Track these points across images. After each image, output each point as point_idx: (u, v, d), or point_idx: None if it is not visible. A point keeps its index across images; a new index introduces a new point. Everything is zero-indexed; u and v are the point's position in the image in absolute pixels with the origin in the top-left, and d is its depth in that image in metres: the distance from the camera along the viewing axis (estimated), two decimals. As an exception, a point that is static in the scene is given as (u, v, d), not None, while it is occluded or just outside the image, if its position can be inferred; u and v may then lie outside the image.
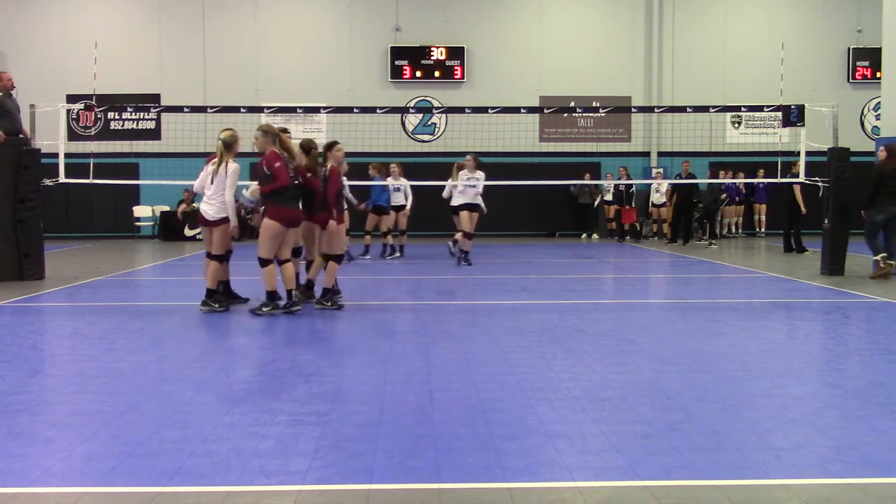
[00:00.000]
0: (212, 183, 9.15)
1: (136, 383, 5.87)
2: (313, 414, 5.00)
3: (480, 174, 14.25)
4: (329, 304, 9.25)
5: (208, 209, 9.18)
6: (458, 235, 14.35)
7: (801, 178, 14.77)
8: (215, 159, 9.24)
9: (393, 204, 16.44)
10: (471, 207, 14.15)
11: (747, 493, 3.77)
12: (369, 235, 16.22)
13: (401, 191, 16.41)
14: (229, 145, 9.22)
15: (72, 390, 5.74)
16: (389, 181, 16.37)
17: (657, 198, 21.33)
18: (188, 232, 21.22)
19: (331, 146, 9.57)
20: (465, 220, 14.15)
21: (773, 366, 6.41)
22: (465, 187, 14.06)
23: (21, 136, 12.36)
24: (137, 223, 22.85)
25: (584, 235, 22.77)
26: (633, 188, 21.87)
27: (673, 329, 8.35)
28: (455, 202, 14.26)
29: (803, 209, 16.64)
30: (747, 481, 3.88)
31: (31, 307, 9.87)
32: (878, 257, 12.40)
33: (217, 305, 9.15)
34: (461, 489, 3.79)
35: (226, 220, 9.19)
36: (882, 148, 12.77)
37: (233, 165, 9.15)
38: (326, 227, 9.22)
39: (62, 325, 9.00)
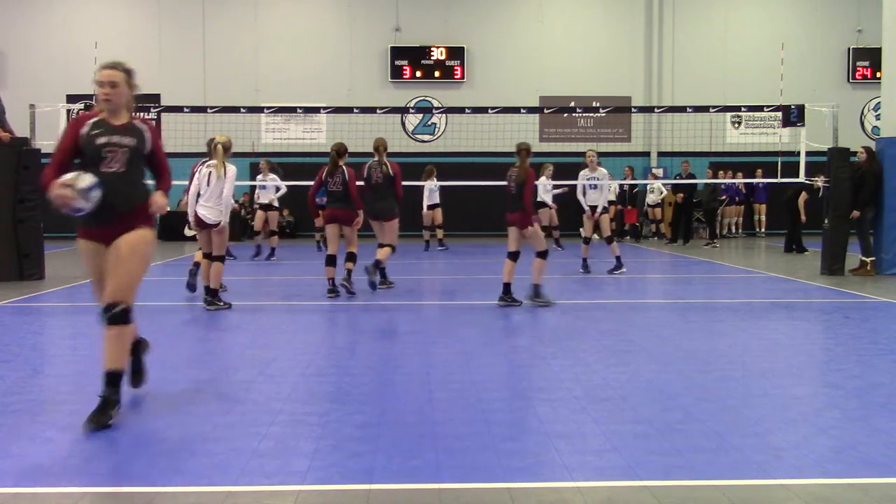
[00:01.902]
0: (208, 185, 9.31)
1: (136, 383, 5.86)
2: (313, 414, 5.00)
3: (602, 171, 13.54)
4: (541, 299, 9.58)
5: (208, 213, 9.30)
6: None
7: (801, 178, 14.79)
8: (210, 162, 9.43)
9: (431, 203, 17.81)
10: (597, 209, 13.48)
11: (747, 493, 3.77)
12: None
13: (437, 191, 17.65)
14: (228, 149, 9.49)
15: (72, 390, 5.74)
16: (429, 182, 17.47)
17: (651, 198, 21.33)
18: (187, 232, 21.19)
19: (529, 150, 9.86)
20: (606, 224, 13.65)
21: (773, 366, 6.41)
22: (590, 188, 13.39)
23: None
24: (137, 223, 22.82)
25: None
26: (637, 188, 21.85)
27: (673, 329, 8.35)
28: (590, 203, 13.45)
29: (803, 217, 16.78)
30: (747, 481, 3.88)
31: (31, 307, 9.87)
32: (868, 259, 12.59)
33: (222, 304, 9.28)
34: (461, 489, 3.78)
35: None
36: (861, 149, 13.00)
37: (231, 168, 9.41)
38: (524, 229, 9.53)
39: (62, 325, 9.00)
